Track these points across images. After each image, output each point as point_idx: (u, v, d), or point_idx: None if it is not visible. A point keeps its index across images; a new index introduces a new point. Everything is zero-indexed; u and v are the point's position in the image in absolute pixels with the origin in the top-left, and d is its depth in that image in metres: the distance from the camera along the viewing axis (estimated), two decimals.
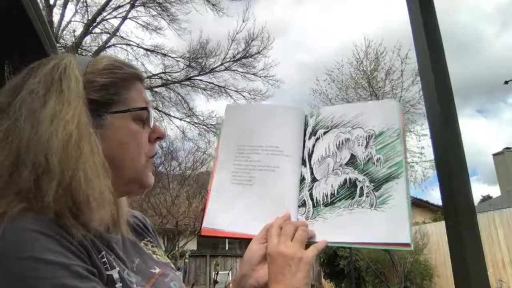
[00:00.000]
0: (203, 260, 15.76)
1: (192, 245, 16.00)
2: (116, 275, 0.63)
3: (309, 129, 0.94)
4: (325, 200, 0.84)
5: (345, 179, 0.85)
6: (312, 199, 0.86)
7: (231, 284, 15.49)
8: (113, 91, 0.71)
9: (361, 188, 0.82)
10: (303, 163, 0.91)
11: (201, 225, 0.89)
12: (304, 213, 0.85)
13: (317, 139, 0.92)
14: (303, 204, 0.87)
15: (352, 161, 0.86)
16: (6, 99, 0.66)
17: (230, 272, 14.35)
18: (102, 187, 0.63)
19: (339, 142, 0.89)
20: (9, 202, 0.60)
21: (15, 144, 0.62)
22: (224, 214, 0.89)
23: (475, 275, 0.81)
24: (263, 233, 0.82)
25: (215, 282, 13.34)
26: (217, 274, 13.59)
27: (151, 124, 0.76)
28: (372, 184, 0.82)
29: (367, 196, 0.81)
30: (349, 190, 0.83)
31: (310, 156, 0.91)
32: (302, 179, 0.89)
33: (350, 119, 0.90)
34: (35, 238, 0.56)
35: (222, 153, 0.95)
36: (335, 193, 0.84)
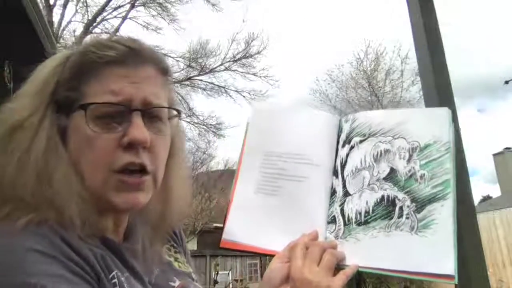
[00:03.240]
0: (203, 260, 15.74)
1: (192, 245, 16.00)
2: None
3: (343, 136, 0.83)
4: (358, 218, 0.75)
5: (383, 196, 0.75)
6: (343, 216, 0.77)
7: (231, 284, 15.48)
8: (73, 86, 0.61)
9: (401, 208, 0.73)
10: (335, 174, 0.82)
11: (221, 235, 0.82)
12: (334, 231, 0.76)
13: (352, 147, 0.81)
14: (332, 220, 0.77)
15: (392, 176, 0.76)
16: None
17: (230, 272, 14.35)
18: (64, 192, 0.57)
19: (377, 153, 0.79)
20: None
21: None
22: (245, 226, 0.81)
23: (475, 275, 0.81)
24: (286, 251, 0.73)
25: (215, 282, 13.35)
26: (217, 274, 13.60)
27: (120, 124, 0.60)
28: (413, 204, 0.72)
29: (407, 218, 0.71)
30: (386, 209, 0.74)
31: (343, 166, 0.81)
32: (333, 192, 0.80)
33: (391, 127, 0.79)
34: (30, 259, 0.49)
35: (246, 159, 0.87)
36: (370, 211, 0.75)
